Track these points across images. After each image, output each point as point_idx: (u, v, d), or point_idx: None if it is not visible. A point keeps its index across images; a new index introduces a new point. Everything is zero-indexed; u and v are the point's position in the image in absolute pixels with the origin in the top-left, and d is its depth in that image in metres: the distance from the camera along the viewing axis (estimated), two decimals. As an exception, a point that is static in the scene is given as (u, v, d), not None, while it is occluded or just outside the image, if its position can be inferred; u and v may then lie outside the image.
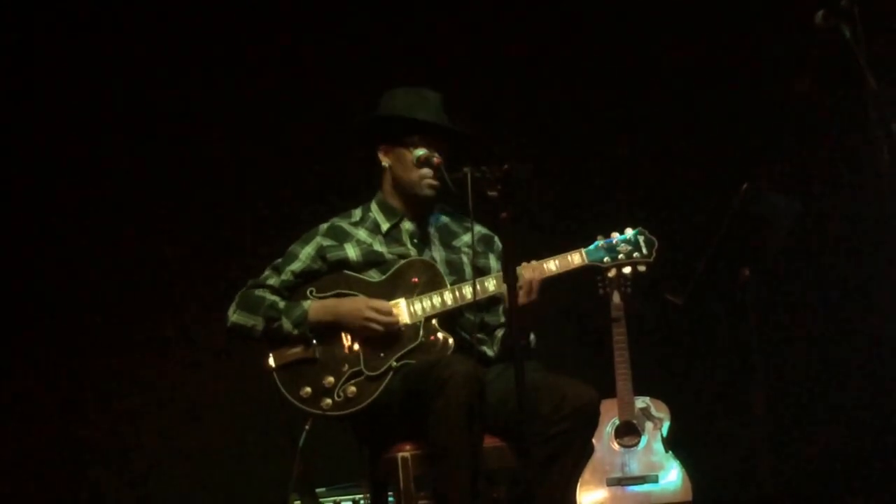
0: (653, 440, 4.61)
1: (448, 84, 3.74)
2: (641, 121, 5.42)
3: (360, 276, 3.55)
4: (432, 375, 3.21)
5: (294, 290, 3.54)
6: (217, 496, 4.98)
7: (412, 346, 3.45)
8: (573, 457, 3.34)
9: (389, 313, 3.45)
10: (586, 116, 5.42)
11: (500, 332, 3.63)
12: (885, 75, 3.01)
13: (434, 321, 3.48)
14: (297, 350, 3.46)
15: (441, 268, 3.56)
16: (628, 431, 4.62)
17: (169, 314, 5.13)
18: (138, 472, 5.04)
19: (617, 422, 4.62)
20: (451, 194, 3.27)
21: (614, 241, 3.57)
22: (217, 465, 5.02)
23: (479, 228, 3.64)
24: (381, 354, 3.44)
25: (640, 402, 4.65)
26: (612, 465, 4.57)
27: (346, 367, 3.43)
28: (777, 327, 5.10)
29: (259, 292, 3.53)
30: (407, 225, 3.66)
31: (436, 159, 3.47)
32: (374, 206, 3.70)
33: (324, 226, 3.66)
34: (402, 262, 3.56)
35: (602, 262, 3.56)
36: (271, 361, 3.46)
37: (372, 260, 3.57)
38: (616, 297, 4.53)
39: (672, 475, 4.55)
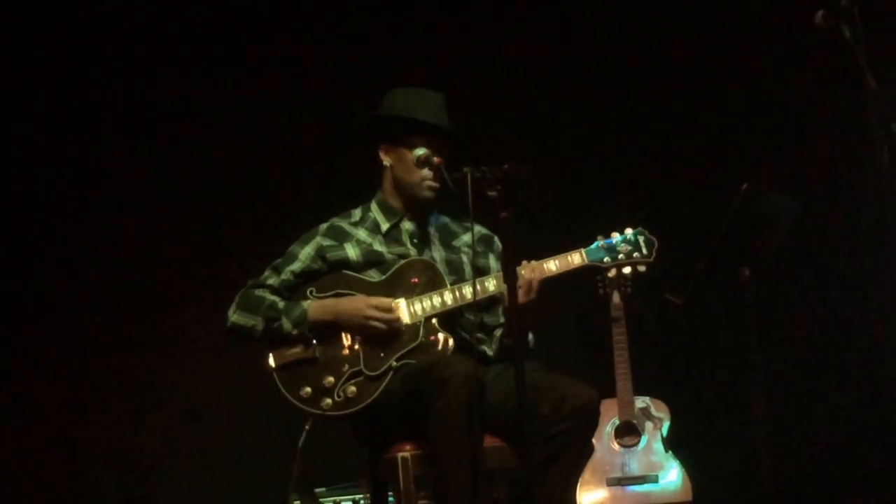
0: (653, 440, 4.60)
1: (448, 84, 3.73)
2: (641, 121, 5.42)
3: (360, 276, 3.55)
4: (432, 375, 3.21)
5: (294, 290, 3.54)
6: (217, 496, 4.98)
7: (412, 346, 3.45)
8: (573, 457, 3.35)
9: (391, 311, 3.45)
10: (586, 116, 5.42)
11: (498, 332, 3.63)
12: (885, 75, 3.01)
13: (434, 321, 3.48)
14: (296, 350, 3.46)
15: (441, 268, 3.56)
16: (628, 431, 4.62)
17: (169, 314, 5.13)
18: (138, 472, 5.04)
19: (617, 422, 4.61)
20: (451, 194, 3.27)
21: (614, 241, 3.57)
22: (217, 465, 5.02)
23: (478, 228, 3.64)
24: (381, 354, 3.44)
25: (640, 402, 4.65)
26: (612, 465, 4.57)
27: (346, 367, 3.43)
28: (777, 327, 5.10)
29: (259, 292, 3.53)
30: (407, 225, 3.66)
31: (436, 159, 3.47)
32: (373, 206, 3.70)
33: (323, 226, 3.66)
34: (402, 262, 3.56)
35: (602, 262, 3.56)
36: (271, 361, 3.45)
37: (372, 260, 3.57)
38: (616, 297, 4.53)
39: (672, 475, 4.55)
